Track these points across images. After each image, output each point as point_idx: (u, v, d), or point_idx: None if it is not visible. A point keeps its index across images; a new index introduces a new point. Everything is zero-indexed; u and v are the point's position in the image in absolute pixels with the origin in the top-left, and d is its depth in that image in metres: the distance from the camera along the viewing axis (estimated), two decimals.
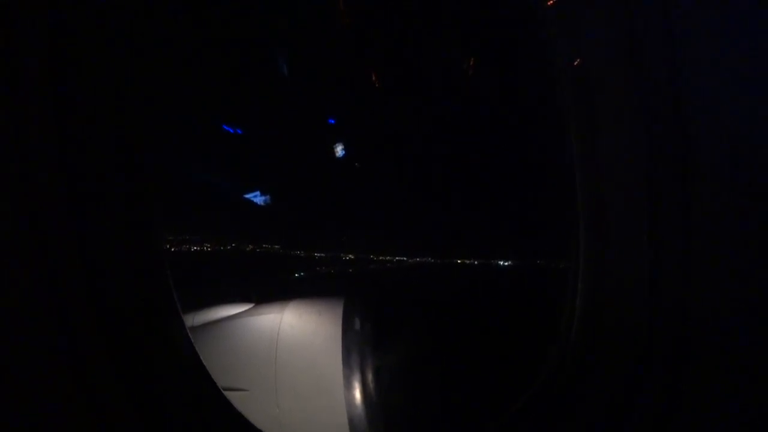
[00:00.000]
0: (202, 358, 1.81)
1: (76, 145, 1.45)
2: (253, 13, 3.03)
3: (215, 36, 2.98)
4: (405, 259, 3.83)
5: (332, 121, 3.61)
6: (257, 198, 3.71)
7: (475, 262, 3.67)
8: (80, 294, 1.43)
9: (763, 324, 1.40)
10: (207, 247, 3.53)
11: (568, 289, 1.73)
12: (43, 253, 1.39)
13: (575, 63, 1.66)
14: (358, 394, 2.84)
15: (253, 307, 3.21)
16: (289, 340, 2.91)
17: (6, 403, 1.39)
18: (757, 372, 1.42)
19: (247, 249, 3.70)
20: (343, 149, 3.57)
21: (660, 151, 1.47)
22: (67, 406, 1.43)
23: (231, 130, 3.42)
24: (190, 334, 1.84)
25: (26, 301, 1.38)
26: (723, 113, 1.42)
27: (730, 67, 1.43)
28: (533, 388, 1.81)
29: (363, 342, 2.99)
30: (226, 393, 1.92)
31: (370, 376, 2.95)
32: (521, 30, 2.21)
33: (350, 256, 3.89)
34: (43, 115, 1.39)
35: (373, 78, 3.35)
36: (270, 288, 3.51)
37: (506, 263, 3.60)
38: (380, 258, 3.92)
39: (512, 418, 1.83)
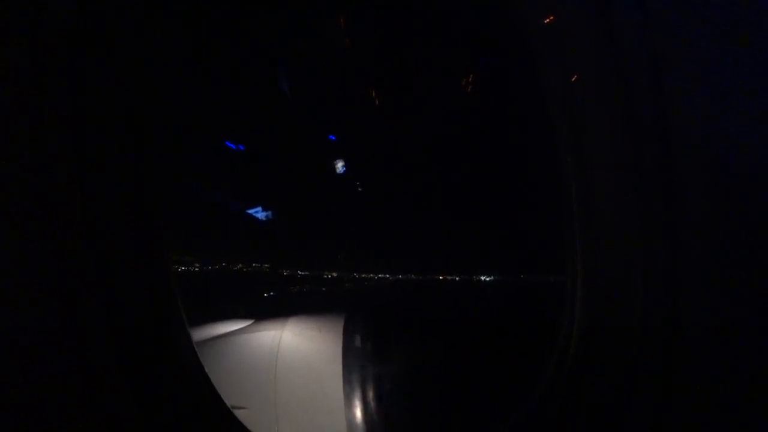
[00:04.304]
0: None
1: (92, 160, 1.50)
2: (254, 30, 3.10)
3: (217, 52, 3.04)
4: (387, 276, 3.84)
5: (333, 138, 3.65)
6: (259, 214, 3.72)
7: (456, 278, 3.68)
8: (95, 311, 1.46)
9: (751, 332, 1.41)
10: (195, 267, 3.53)
11: (565, 302, 1.73)
12: (60, 271, 1.42)
13: (572, 79, 1.69)
14: (359, 413, 2.80)
15: (253, 323, 3.20)
16: (290, 357, 2.89)
17: (19, 413, 1.41)
18: (745, 381, 1.42)
19: (236, 268, 3.71)
20: (343, 166, 3.60)
21: (647, 163, 1.50)
22: (77, 417, 1.44)
23: (233, 147, 3.46)
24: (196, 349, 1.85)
25: (42, 316, 1.41)
26: (706, 125, 1.45)
27: (711, 79, 1.46)
28: (531, 400, 1.80)
29: (364, 359, 2.96)
30: None
31: (371, 394, 2.92)
32: (516, 48, 2.26)
33: (333, 274, 3.91)
34: (61, 133, 1.44)
35: (373, 95, 3.40)
36: (268, 304, 3.50)
37: (488, 278, 3.61)
38: (362, 275, 3.92)
39: None
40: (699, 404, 1.47)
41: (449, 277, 3.76)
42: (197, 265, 3.52)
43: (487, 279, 3.66)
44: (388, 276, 3.90)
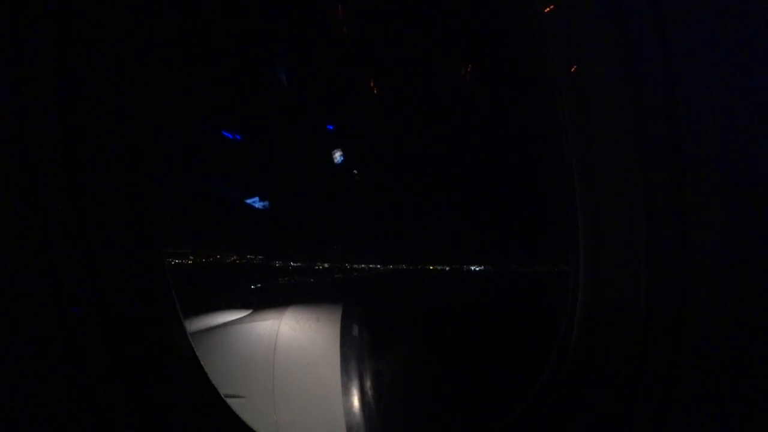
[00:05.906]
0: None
1: (82, 153, 1.48)
2: (252, 21, 3.06)
3: (216, 43, 3.00)
4: (378, 266, 3.84)
5: (331, 127, 3.64)
6: (255, 204, 3.71)
7: (447, 268, 3.70)
8: (88, 305, 1.45)
9: (758, 327, 1.41)
10: (189, 260, 3.53)
11: (568, 293, 1.73)
12: (50, 262, 1.41)
13: (572, 70, 1.68)
14: (356, 401, 2.82)
15: (251, 313, 3.20)
16: (288, 347, 2.90)
17: (10, 407, 1.41)
18: (752, 376, 1.43)
19: (229, 260, 3.71)
20: (341, 155, 3.60)
21: (655, 155, 1.50)
22: (71, 412, 1.44)
23: (230, 136, 3.44)
24: (191, 340, 1.84)
25: (31, 307, 1.40)
26: (716, 119, 1.44)
27: (723, 73, 1.45)
28: (533, 392, 1.80)
29: (361, 349, 2.98)
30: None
31: (368, 383, 2.94)
32: (518, 37, 2.24)
33: (325, 264, 3.91)
34: (47, 123, 1.41)
35: (372, 84, 3.38)
36: (263, 295, 3.51)
37: (478, 268, 3.63)
38: (354, 266, 3.92)
39: (512, 424, 1.82)
40: (705, 396, 1.47)
41: (440, 267, 3.79)
42: (191, 257, 3.53)
43: (477, 269, 3.69)
44: (378, 266, 3.91)
